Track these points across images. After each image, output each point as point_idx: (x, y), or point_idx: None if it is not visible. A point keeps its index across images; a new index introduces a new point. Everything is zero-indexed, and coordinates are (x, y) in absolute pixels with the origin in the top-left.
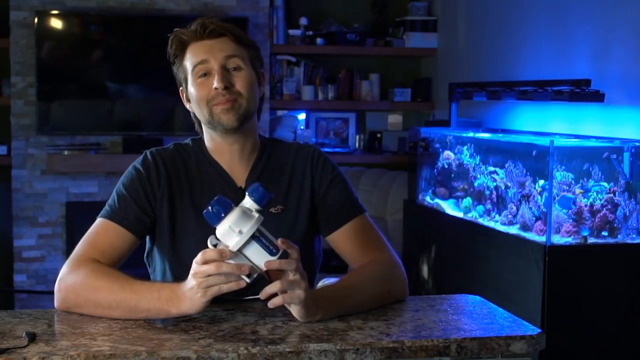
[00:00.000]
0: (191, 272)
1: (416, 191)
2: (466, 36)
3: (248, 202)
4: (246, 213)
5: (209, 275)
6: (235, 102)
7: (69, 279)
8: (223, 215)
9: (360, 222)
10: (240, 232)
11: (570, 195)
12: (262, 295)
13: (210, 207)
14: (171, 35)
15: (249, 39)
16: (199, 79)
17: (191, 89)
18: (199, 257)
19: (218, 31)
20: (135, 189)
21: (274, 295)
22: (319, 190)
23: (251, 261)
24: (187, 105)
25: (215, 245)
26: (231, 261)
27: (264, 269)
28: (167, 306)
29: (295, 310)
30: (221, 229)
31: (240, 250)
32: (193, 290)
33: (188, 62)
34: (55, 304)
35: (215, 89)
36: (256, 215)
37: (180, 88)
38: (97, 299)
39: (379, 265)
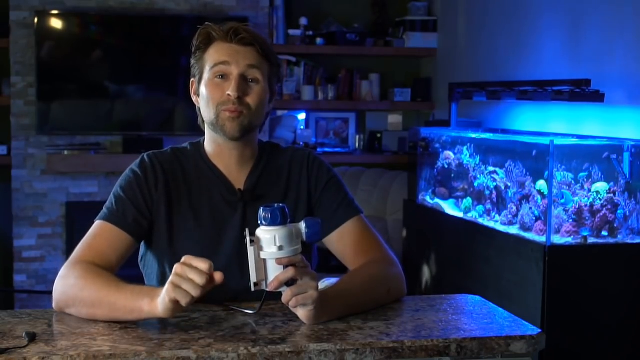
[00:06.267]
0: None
1: (416, 191)
2: (466, 36)
3: (301, 229)
4: (293, 235)
5: (184, 278)
6: (242, 114)
7: (63, 281)
8: (278, 222)
9: (357, 223)
10: (280, 247)
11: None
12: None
13: (271, 209)
14: (201, 27)
15: (275, 55)
16: (216, 79)
17: (204, 86)
18: (184, 258)
19: (248, 40)
20: (133, 192)
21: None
22: (315, 193)
23: (267, 271)
24: (194, 98)
25: (252, 241)
26: (252, 261)
27: (273, 287)
28: (141, 302)
29: (304, 313)
30: (264, 234)
31: (266, 259)
32: (167, 289)
33: (209, 59)
34: (53, 305)
35: (228, 95)
36: (299, 244)
37: (192, 79)
38: (83, 297)
39: (378, 265)
